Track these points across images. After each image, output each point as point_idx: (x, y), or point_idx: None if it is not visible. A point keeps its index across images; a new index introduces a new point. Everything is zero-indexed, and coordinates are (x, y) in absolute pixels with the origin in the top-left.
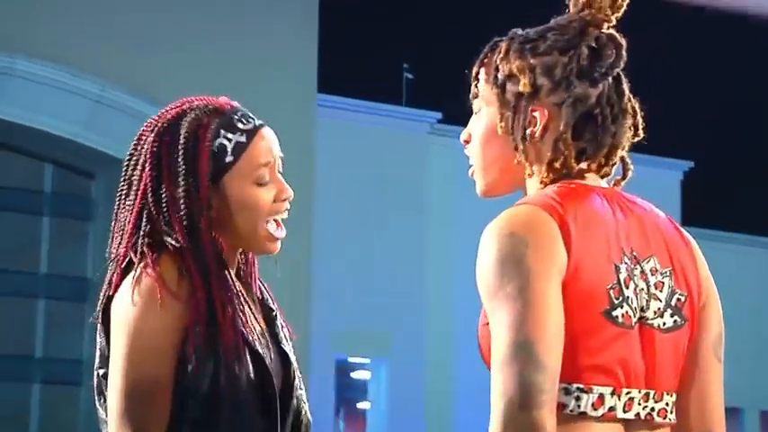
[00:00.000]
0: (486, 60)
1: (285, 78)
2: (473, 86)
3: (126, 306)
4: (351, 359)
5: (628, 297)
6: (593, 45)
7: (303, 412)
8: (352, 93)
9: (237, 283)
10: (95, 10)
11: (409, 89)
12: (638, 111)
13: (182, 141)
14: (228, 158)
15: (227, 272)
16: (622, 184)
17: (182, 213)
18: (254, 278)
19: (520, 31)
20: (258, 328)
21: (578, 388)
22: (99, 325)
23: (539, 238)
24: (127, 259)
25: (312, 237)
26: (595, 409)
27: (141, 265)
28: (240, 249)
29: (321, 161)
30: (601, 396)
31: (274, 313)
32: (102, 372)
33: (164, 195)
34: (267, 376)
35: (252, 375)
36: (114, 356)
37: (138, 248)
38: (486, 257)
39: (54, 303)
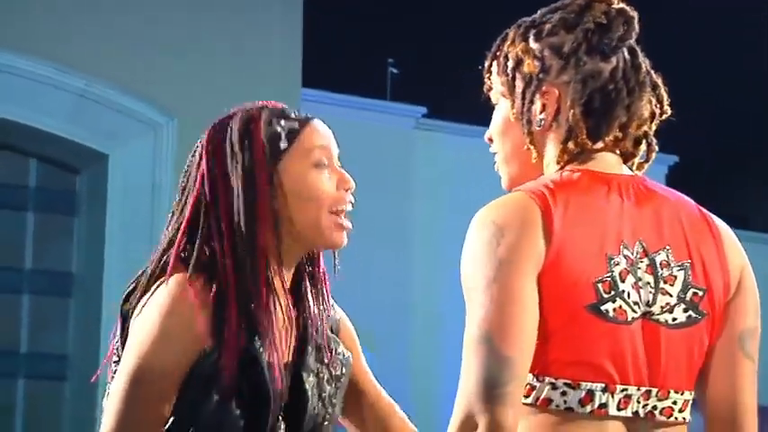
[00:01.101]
0: (497, 53)
1: (269, 73)
2: (486, 79)
3: (146, 321)
4: None
5: (623, 291)
6: (602, 20)
7: None
8: (336, 87)
9: (284, 303)
10: (79, 4)
11: (394, 84)
12: (659, 84)
13: (235, 136)
14: (283, 144)
15: (274, 293)
16: (645, 166)
17: (240, 221)
18: (325, 289)
19: (527, 18)
20: (285, 359)
21: (565, 383)
22: (119, 331)
23: (517, 229)
24: (156, 273)
25: None
26: (583, 406)
27: (171, 283)
28: (306, 255)
29: None
30: (590, 392)
31: (313, 340)
32: (115, 367)
33: (219, 198)
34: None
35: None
36: (124, 362)
37: (170, 263)
38: (466, 248)
39: (39, 299)
